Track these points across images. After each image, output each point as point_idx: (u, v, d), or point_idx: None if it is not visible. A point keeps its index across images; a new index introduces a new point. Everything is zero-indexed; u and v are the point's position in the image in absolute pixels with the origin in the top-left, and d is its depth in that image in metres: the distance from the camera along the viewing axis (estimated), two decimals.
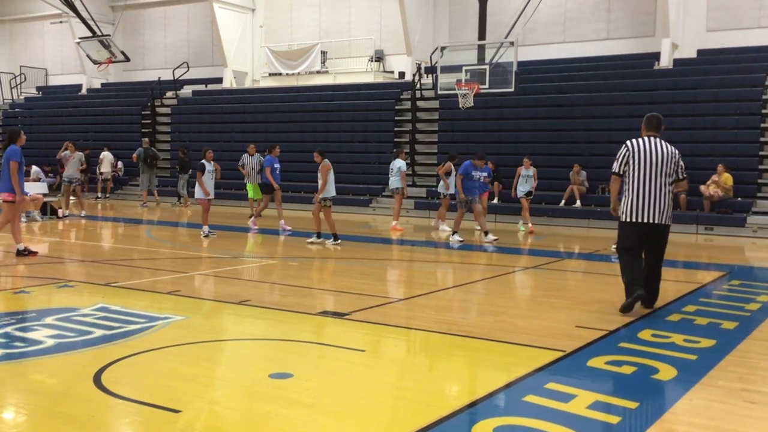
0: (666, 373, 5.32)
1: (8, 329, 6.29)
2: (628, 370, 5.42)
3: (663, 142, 7.40)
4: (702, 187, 16.59)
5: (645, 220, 7.28)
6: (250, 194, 17.80)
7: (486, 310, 7.99)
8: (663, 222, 7.32)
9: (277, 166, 15.66)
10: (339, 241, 12.84)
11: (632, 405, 4.63)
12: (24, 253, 10.72)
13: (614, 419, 4.34)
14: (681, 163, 7.44)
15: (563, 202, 17.97)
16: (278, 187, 15.73)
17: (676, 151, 7.41)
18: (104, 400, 4.61)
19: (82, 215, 17.30)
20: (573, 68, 21.32)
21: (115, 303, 7.53)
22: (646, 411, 4.59)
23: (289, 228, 15.20)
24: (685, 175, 7.55)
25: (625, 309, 7.28)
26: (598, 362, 5.56)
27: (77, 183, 17.95)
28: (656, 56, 20.49)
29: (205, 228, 13.76)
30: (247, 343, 6.36)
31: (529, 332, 6.60)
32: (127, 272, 9.70)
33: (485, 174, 14.82)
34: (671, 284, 9.16)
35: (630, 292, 7.31)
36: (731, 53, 19.61)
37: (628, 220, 7.37)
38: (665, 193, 7.29)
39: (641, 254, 7.49)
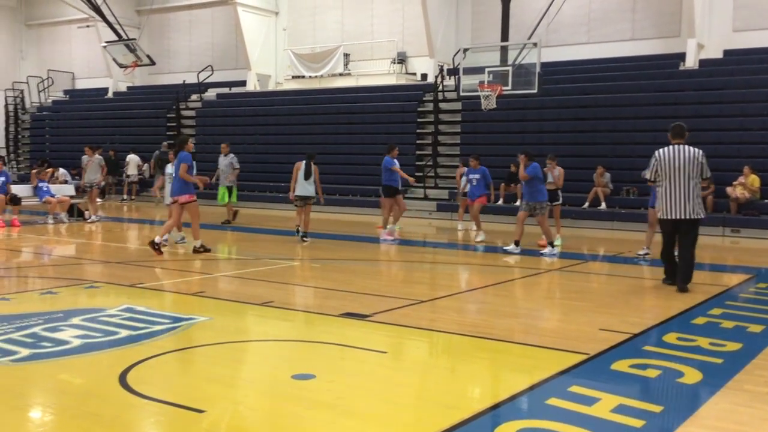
0: (691, 376, 5.27)
1: (36, 329, 6.38)
2: (652, 373, 5.38)
3: (687, 147, 8.65)
4: (728, 189, 16.38)
5: (674, 217, 8.68)
6: (219, 198, 16.95)
7: (508, 313, 7.96)
8: (689, 217, 8.65)
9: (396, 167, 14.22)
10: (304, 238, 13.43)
11: (656, 409, 4.59)
12: (200, 250, 11.57)
13: (638, 423, 4.31)
14: (704, 163, 8.68)
15: (587, 204, 17.84)
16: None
17: (700, 154, 8.64)
18: (129, 400, 4.66)
19: (94, 219, 16.91)
20: (597, 69, 21.15)
21: (140, 304, 7.61)
22: (671, 415, 4.55)
23: (392, 237, 14.06)
24: (708, 175, 8.79)
25: (681, 290, 8.72)
26: (622, 365, 5.52)
27: (96, 186, 17.39)
28: (682, 57, 20.26)
29: (176, 233, 12.76)
30: (271, 344, 6.40)
31: (552, 335, 6.57)
32: (152, 273, 9.80)
33: (478, 176, 14.33)
34: (697, 287, 9.06)
35: (666, 274, 9.08)
36: (758, 53, 19.32)
37: (662, 217, 8.83)
38: (691, 192, 8.58)
39: (673, 246, 8.94)
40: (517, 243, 12.21)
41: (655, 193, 9.72)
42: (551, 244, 12.23)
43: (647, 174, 8.94)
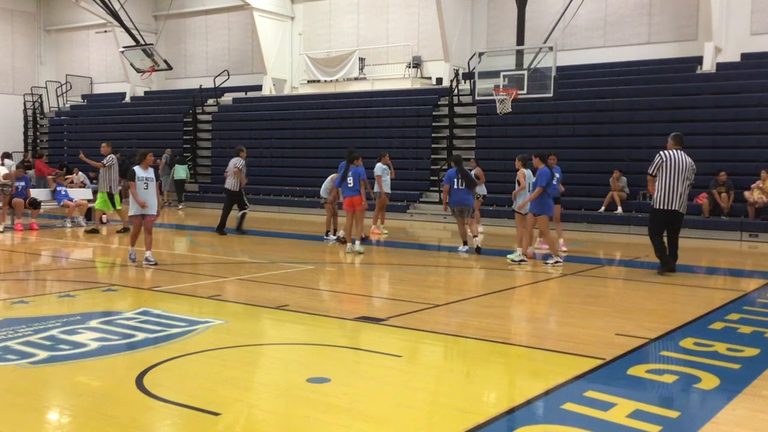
0: (708, 382, 5.23)
1: (54, 332, 6.44)
2: (669, 378, 5.35)
3: (684, 154, 10.27)
4: (746, 194, 16.25)
5: (669, 208, 10.21)
6: (98, 204, 15.36)
7: (524, 317, 7.95)
8: (681, 210, 10.28)
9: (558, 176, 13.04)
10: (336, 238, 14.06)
11: (673, 414, 4.56)
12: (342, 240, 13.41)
13: (655, 429, 4.28)
14: (695, 170, 10.43)
15: (603, 208, 17.76)
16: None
17: (692, 162, 10.31)
18: (146, 403, 4.70)
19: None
20: (613, 73, 21.07)
21: (157, 307, 7.66)
22: (688, 421, 4.52)
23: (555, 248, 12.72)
24: (693, 180, 10.59)
25: (660, 272, 10.35)
26: (638, 370, 5.49)
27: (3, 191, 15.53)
28: (699, 60, 20.14)
29: (133, 250, 10.93)
30: (286, 348, 6.41)
31: (567, 339, 6.54)
32: (168, 277, 9.86)
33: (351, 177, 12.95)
34: (714, 292, 9.00)
35: (663, 262, 10.40)
36: None
37: (659, 207, 10.30)
38: (684, 191, 10.21)
39: (663, 234, 10.44)
40: (465, 243, 13.01)
41: (536, 201, 11.19)
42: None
43: (650, 169, 10.36)
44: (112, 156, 15.01)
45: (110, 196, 15.04)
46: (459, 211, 12.83)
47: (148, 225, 10.83)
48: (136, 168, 10.82)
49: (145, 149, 11.44)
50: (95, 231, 15.31)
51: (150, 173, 10.91)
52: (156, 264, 10.61)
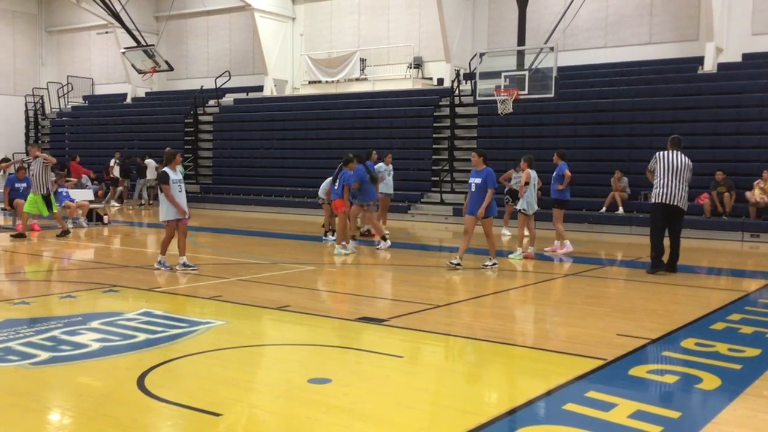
0: (709, 382, 5.23)
1: (55, 333, 6.45)
2: (670, 379, 5.35)
3: (681, 155, 10.49)
4: (747, 194, 16.23)
5: (669, 202, 10.35)
6: (27, 207, 14.50)
7: (525, 318, 7.95)
8: (680, 205, 10.37)
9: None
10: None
11: (674, 415, 4.56)
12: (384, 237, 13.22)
13: (656, 429, 4.28)
14: (692, 170, 10.54)
15: (604, 208, 17.75)
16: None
17: (690, 162, 10.51)
18: (147, 403, 4.70)
19: None
20: (614, 73, 21.06)
21: (158, 308, 7.67)
22: (689, 421, 4.52)
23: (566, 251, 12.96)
24: (689, 179, 10.59)
25: (651, 272, 10.44)
26: (639, 371, 5.49)
27: None
28: (700, 60, 20.13)
29: (164, 258, 10.40)
30: (287, 348, 6.41)
31: (569, 340, 6.54)
32: (169, 277, 9.86)
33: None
34: (715, 292, 8.97)
35: (654, 263, 10.51)
36: None
37: (657, 202, 10.45)
38: (683, 187, 10.36)
39: (664, 231, 10.52)
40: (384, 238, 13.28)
41: (472, 201, 10.62)
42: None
43: (649, 166, 10.67)
44: (39, 159, 14.27)
45: (46, 198, 14.43)
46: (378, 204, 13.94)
47: (182, 228, 10.28)
48: (167, 170, 10.08)
49: (173, 149, 10.63)
50: (22, 236, 14.16)
51: (179, 174, 10.27)
52: (196, 269, 10.23)
